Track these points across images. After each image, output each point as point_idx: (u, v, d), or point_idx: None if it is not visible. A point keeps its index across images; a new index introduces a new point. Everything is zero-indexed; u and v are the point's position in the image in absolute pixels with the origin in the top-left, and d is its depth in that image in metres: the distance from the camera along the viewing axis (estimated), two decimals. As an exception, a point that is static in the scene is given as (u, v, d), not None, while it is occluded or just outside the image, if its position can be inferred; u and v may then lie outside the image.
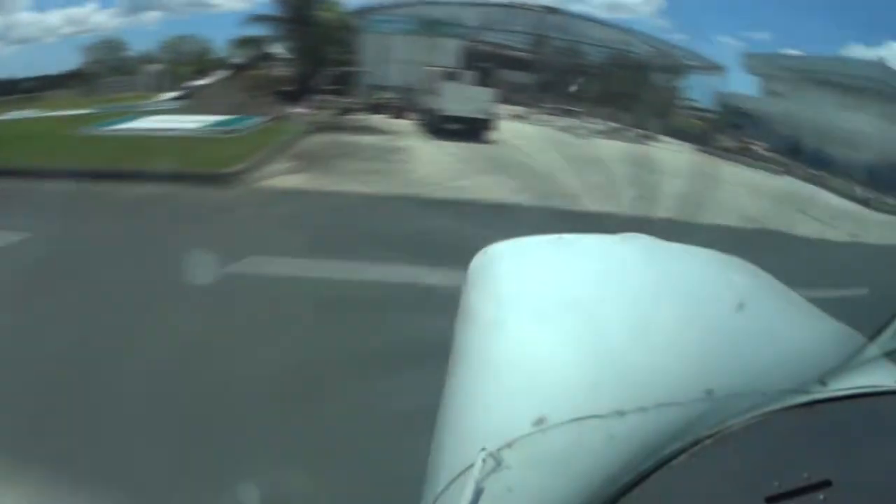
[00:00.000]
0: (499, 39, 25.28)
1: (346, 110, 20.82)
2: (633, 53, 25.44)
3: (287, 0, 22.56)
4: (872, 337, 1.32)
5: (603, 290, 1.55)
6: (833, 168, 23.88)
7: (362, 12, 24.19)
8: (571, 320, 1.41)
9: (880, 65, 25.61)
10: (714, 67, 26.08)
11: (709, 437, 1.01)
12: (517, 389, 1.22)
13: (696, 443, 1.01)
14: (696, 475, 0.97)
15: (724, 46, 30.05)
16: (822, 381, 1.14)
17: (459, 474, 1.03)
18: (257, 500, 3.32)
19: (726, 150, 23.37)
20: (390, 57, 22.32)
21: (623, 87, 24.13)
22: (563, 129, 22.33)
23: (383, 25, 23.80)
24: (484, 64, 22.76)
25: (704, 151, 22.59)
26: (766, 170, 22.46)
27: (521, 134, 20.01)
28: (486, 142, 18.64)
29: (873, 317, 1.36)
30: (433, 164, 14.71)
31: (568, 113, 23.04)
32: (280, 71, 22.75)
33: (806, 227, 14.63)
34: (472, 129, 18.90)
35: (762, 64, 29.43)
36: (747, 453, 1.00)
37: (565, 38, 25.20)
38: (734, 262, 1.90)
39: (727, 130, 25.46)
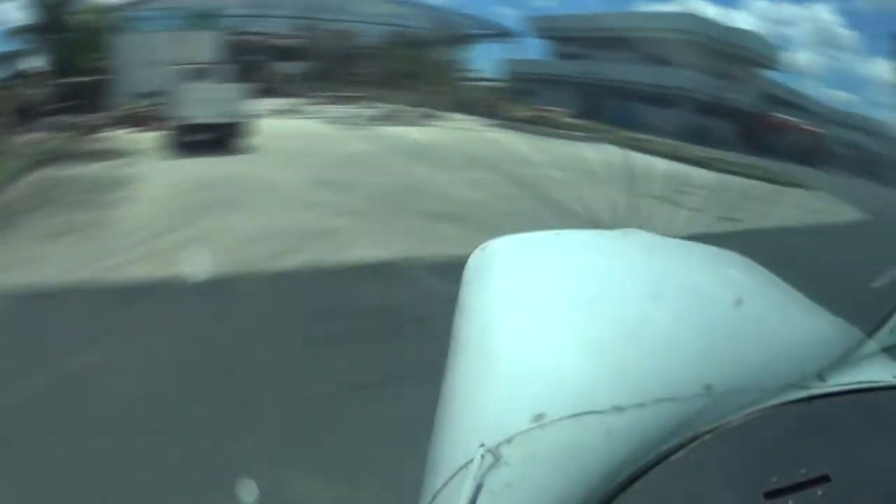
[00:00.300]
0: (267, 27, 23.17)
1: (91, 129, 18.03)
2: (413, 27, 24.08)
3: (41, 4, 19.78)
4: (871, 332, 1.33)
5: (601, 286, 1.54)
6: (649, 128, 23.64)
7: (120, 9, 21.60)
8: (569, 316, 1.40)
9: (690, 16, 25.69)
10: (502, 34, 25.35)
11: (707, 432, 1.03)
12: (516, 385, 1.21)
13: (694, 438, 1.02)
14: (695, 471, 0.98)
15: (512, 13, 29.64)
16: (821, 377, 1.15)
17: (458, 470, 1.03)
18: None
19: (521, 120, 22.13)
20: (148, 58, 19.43)
21: (404, 65, 22.69)
22: (338, 121, 19.98)
23: (141, 23, 21.28)
24: (250, 56, 20.76)
25: (497, 125, 21.49)
26: (570, 138, 21.20)
27: (287, 133, 17.43)
28: (240, 152, 15.64)
29: (872, 312, 1.36)
30: (156, 204, 11.40)
31: (346, 100, 21.21)
32: (29, 89, 19.85)
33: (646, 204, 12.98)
34: (222, 138, 15.83)
35: (553, 26, 29.14)
36: (746, 449, 1.01)
37: (339, 19, 23.37)
38: (732, 257, 1.90)
39: (520, 99, 24.78)
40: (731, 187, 16.64)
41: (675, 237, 2.02)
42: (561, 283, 1.61)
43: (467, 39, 25.34)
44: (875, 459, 0.98)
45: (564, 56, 29.13)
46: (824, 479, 0.92)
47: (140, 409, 5.06)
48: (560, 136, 20.94)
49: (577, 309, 1.42)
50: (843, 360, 1.20)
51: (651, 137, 22.05)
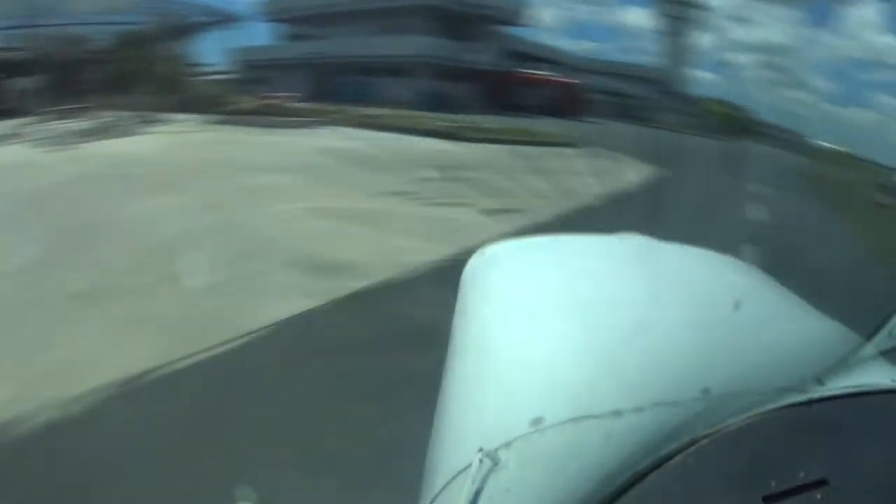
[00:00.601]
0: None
1: None
2: (135, 22, 23.04)
3: None
4: (869, 335, 1.34)
5: (599, 290, 1.57)
6: (386, 101, 23.32)
7: None
8: (568, 320, 1.42)
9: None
10: (228, 20, 24.75)
11: (706, 436, 1.03)
12: (514, 389, 1.23)
13: (692, 442, 1.02)
14: (693, 475, 0.98)
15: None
16: (819, 380, 1.16)
17: (457, 474, 1.04)
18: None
19: (246, 113, 21.12)
20: None
21: (127, 66, 21.39)
22: (47, 142, 16.65)
23: None
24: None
25: (219, 122, 20.23)
26: (297, 125, 20.35)
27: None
28: None
29: (870, 315, 1.36)
30: None
31: (72, 113, 19.40)
32: None
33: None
34: None
35: (281, 7, 28.56)
36: (744, 452, 1.01)
37: (62, 23, 22.07)
38: (730, 261, 1.95)
39: (248, 90, 24.19)
40: (492, 160, 15.13)
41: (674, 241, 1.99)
42: (559, 287, 1.63)
43: (191, 29, 24.53)
44: (873, 463, 0.99)
45: (294, 38, 28.64)
46: (823, 482, 0.92)
47: None
48: (286, 125, 20.15)
49: (575, 313, 1.44)
50: (842, 363, 1.21)
51: (389, 112, 21.51)
